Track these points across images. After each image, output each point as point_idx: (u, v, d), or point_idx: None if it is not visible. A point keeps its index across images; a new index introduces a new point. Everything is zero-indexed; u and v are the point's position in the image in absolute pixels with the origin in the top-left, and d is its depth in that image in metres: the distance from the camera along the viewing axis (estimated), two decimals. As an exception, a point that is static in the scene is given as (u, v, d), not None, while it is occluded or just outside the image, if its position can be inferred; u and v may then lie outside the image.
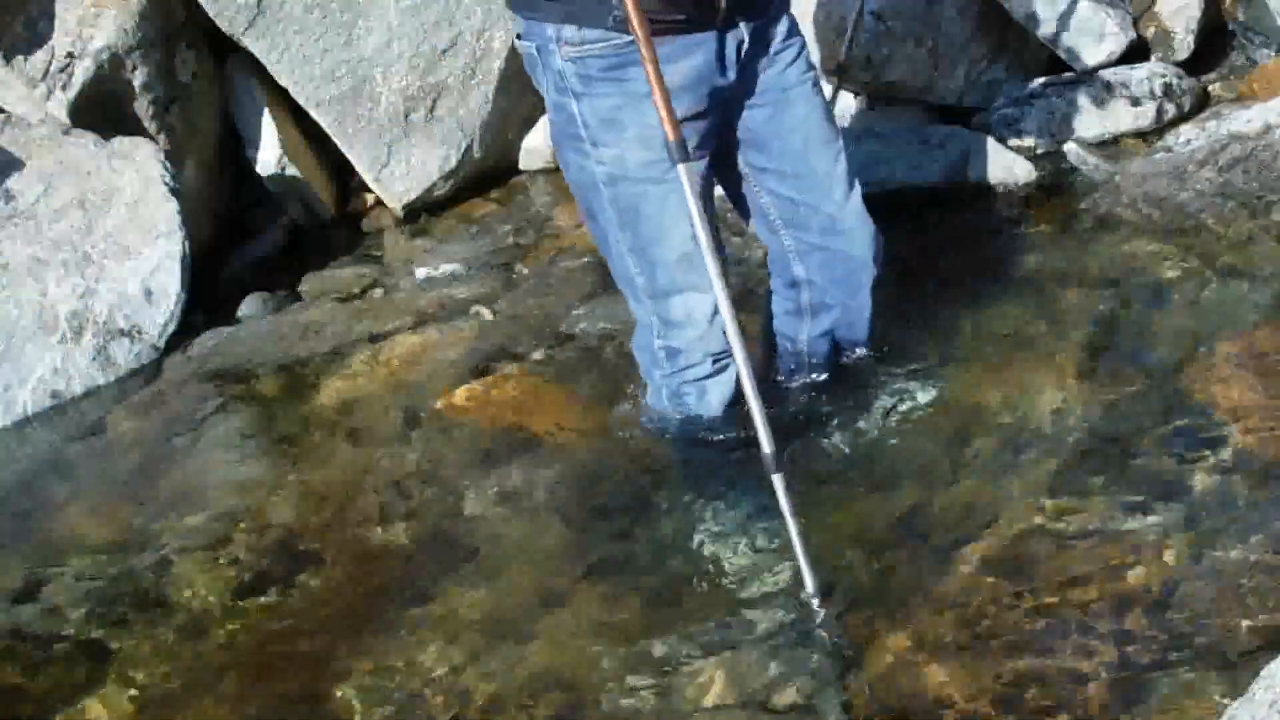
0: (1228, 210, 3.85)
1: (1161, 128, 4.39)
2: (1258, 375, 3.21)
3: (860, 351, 3.33)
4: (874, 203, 3.19)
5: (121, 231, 4.24)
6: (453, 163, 4.74)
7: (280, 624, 3.04)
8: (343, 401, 3.81)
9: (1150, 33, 4.59)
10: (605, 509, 3.22)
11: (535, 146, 4.85)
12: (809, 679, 2.62)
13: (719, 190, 3.21)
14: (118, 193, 4.29)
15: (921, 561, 2.87)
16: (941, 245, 4.03)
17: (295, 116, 4.74)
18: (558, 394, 3.69)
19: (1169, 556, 2.75)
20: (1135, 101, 4.40)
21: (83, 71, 4.38)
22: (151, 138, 4.46)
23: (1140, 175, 4.13)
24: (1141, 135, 4.38)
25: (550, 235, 4.52)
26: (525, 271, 4.35)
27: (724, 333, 2.88)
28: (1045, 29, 4.47)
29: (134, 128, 4.45)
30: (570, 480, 3.32)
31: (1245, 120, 4.18)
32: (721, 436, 3.19)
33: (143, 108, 4.48)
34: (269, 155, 4.71)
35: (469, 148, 4.75)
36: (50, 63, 4.36)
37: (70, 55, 4.36)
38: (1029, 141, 4.41)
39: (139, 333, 4.14)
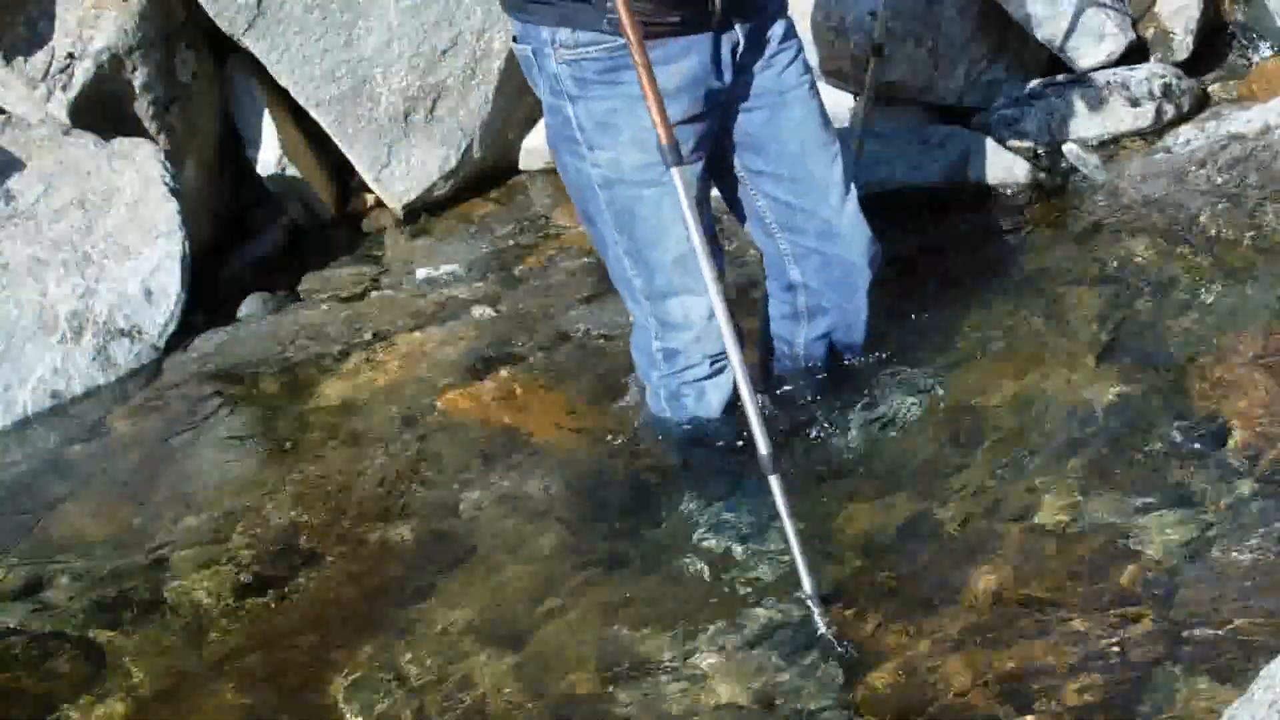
0: (1227, 210, 3.85)
1: (1161, 128, 4.38)
2: (1258, 375, 3.21)
3: (857, 354, 3.32)
4: (873, 203, 3.19)
5: (121, 231, 4.24)
6: (453, 163, 4.74)
7: (279, 624, 3.04)
8: (342, 401, 3.81)
9: (1150, 33, 4.58)
10: (604, 509, 3.22)
11: (535, 147, 4.84)
12: (807, 679, 2.62)
13: (715, 193, 3.21)
14: (118, 193, 4.29)
15: (920, 562, 2.87)
16: (941, 245, 4.03)
17: (295, 116, 4.74)
18: (557, 394, 3.69)
19: (1169, 556, 2.75)
20: (1135, 102, 4.39)
21: (83, 72, 4.37)
22: (151, 138, 4.46)
23: (1139, 176, 4.13)
24: (1141, 136, 4.37)
25: (550, 235, 4.52)
26: (525, 271, 4.35)
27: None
28: (1045, 29, 4.46)
29: (134, 128, 4.45)
30: (569, 481, 3.32)
31: (1245, 121, 4.18)
32: (719, 438, 3.19)
33: (143, 108, 4.47)
34: (269, 155, 4.71)
35: (469, 148, 4.75)
36: (50, 63, 4.36)
37: (70, 56, 4.36)
38: (1029, 142, 4.40)
39: (139, 333, 4.14)
